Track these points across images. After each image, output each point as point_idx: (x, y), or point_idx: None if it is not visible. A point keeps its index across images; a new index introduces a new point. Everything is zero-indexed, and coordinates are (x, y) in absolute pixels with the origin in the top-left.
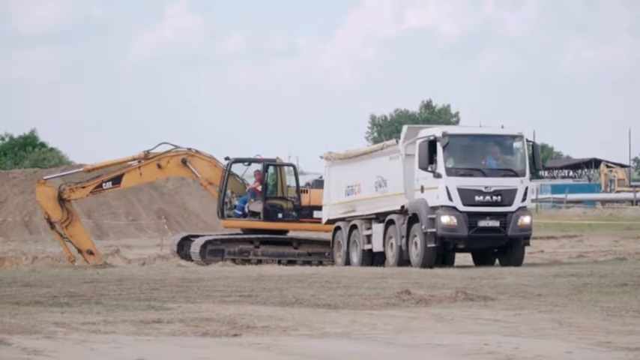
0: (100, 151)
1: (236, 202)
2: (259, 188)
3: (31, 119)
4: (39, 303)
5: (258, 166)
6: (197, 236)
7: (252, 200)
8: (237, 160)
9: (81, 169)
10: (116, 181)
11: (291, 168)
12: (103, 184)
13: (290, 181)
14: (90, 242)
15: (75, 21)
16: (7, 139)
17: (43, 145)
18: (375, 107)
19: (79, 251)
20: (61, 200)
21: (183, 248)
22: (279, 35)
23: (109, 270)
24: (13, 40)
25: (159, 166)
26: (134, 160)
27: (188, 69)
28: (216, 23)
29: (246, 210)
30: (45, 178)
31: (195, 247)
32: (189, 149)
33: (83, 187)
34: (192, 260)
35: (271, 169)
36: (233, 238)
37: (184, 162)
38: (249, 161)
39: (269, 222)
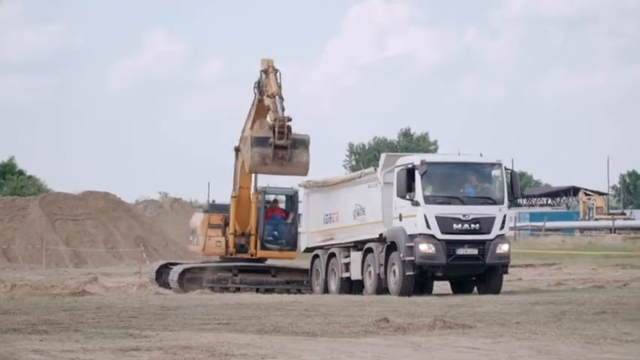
0: (80, 179)
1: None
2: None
3: (10, 147)
4: (17, 331)
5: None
6: (175, 264)
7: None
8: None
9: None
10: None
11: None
12: None
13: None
14: None
15: (53, 48)
16: None
17: (21, 172)
18: (353, 135)
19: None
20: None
21: (161, 276)
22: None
23: (88, 298)
24: None
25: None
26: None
27: (167, 96)
28: (195, 50)
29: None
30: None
31: (174, 274)
32: None
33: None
34: (171, 288)
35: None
36: (211, 266)
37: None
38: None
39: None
